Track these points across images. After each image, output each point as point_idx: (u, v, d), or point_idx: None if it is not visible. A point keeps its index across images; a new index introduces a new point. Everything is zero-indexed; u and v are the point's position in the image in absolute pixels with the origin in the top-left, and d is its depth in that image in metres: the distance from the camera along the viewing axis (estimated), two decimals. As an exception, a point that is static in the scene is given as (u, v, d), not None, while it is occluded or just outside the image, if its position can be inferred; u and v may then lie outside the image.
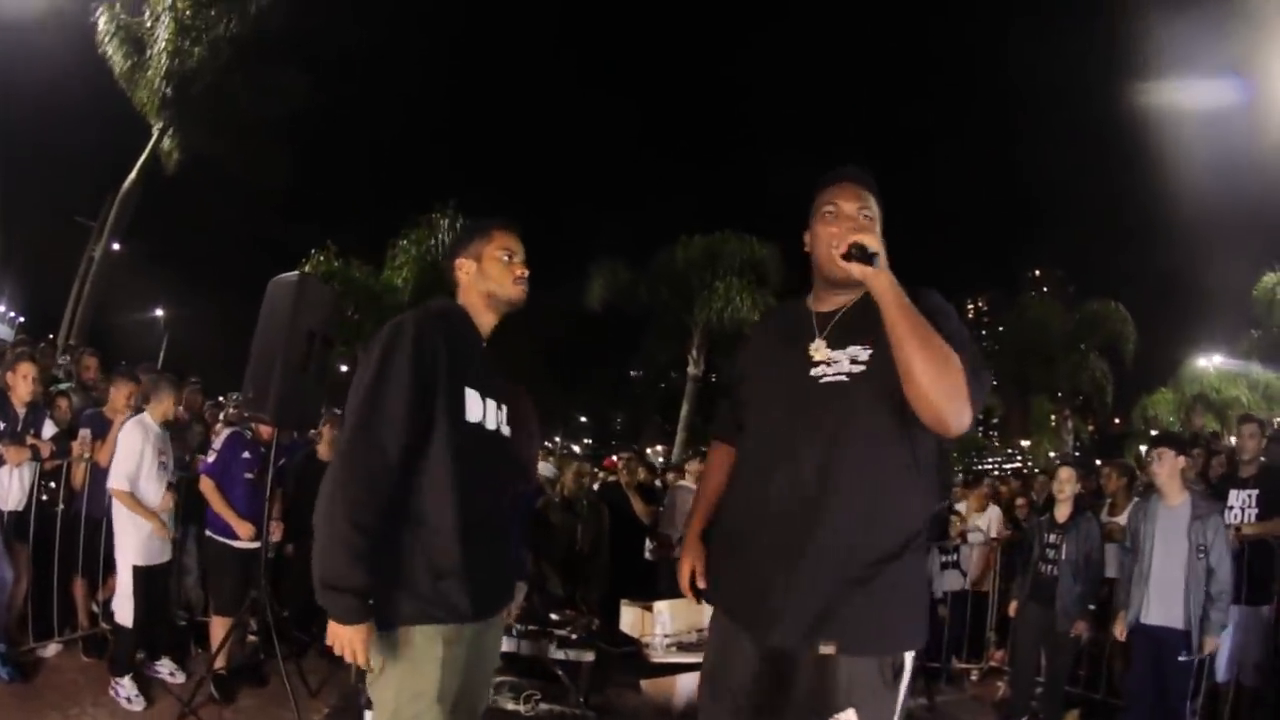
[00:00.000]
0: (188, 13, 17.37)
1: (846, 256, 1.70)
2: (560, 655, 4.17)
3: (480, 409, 2.10)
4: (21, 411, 4.66)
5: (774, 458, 1.85)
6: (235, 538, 4.62)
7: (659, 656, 4.28)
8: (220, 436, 4.90)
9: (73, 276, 18.88)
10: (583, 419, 45.95)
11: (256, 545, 4.59)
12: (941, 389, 1.62)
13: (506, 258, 2.23)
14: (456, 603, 1.96)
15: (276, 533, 4.93)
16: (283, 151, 19.83)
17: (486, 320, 2.24)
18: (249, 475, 4.69)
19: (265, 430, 4.70)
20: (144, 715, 4.17)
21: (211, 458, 4.76)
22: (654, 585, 6.05)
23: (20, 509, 4.61)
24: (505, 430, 2.22)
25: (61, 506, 4.85)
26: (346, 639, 1.83)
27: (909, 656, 1.79)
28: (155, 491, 4.48)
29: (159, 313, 35.45)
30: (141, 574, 4.37)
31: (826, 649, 1.72)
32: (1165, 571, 4.29)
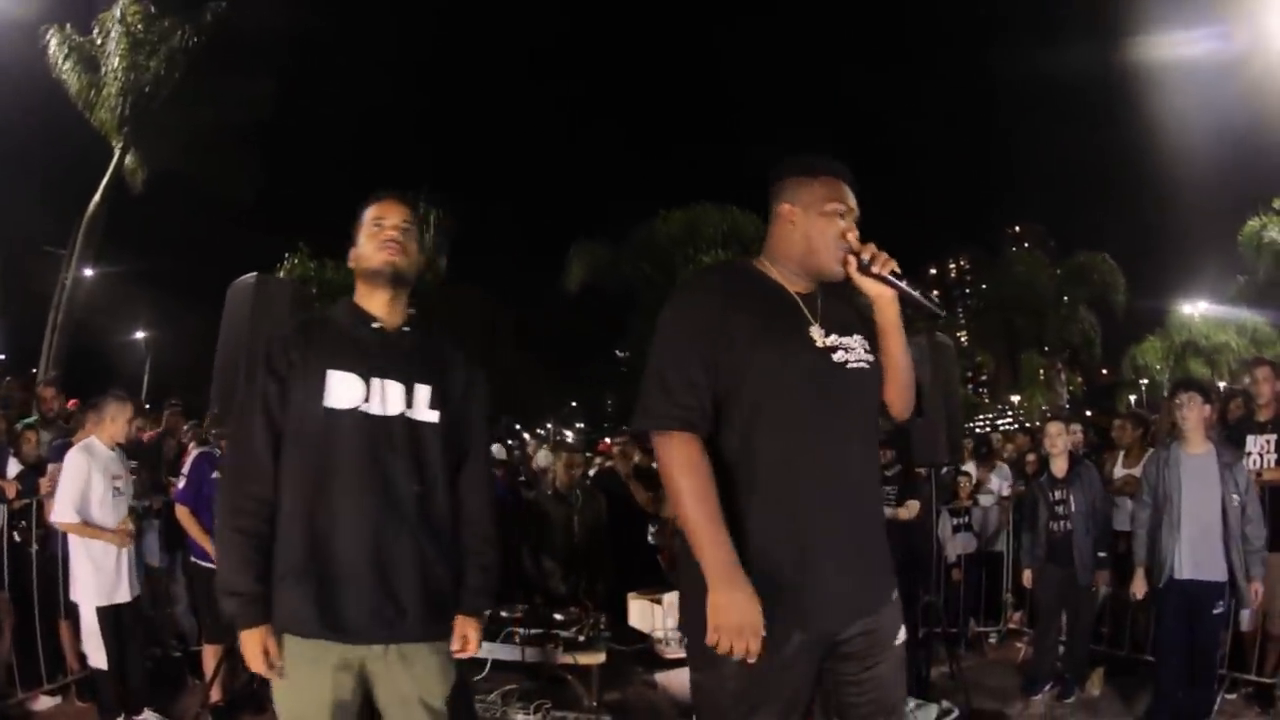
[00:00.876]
0: (139, 26, 17.04)
1: (889, 278, 1.87)
2: (569, 659, 3.96)
3: (358, 392, 1.93)
4: (-17, 451, 4.42)
5: (821, 446, 1.80)
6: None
7: (672, 652, 4.08)
8: (189, 459, 4.65)
9: (49, 307, 18.56)
10: (573, 404, 45.81)
11: None
12: (913, 393, 2.03)
13: (376, 227, 2.08)
14: (297, 612, 1.84)
15: None
16: (250, 158, 19.47)
17: (377, 300, 2.07)
18: None
19: None
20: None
21: (182, 483, 4.52)
22: (661, 572, 5.86)
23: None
24: (420, 414, 1.99)
25: (36, 547, 4.59)
26: (245, 642, 1.84)
27: None
28: (111, 520, 4.20)
29: (140, 334, 34.91)
30: (107, 614, 4.13)
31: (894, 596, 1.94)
32: (1197, 522, 4.11)
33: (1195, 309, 31.34)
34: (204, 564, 4.45)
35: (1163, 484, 4.26)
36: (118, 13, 16.87)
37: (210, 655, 4.36)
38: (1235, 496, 4.05)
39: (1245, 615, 4.64)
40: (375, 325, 2.04)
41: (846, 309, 1.97)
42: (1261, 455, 4.82)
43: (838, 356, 1.84)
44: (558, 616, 4.30)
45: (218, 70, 17.80)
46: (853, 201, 1.93)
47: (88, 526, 4.09)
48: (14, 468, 4.61)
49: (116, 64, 16.92)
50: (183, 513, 4.45)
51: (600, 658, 4.00)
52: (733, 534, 1.71)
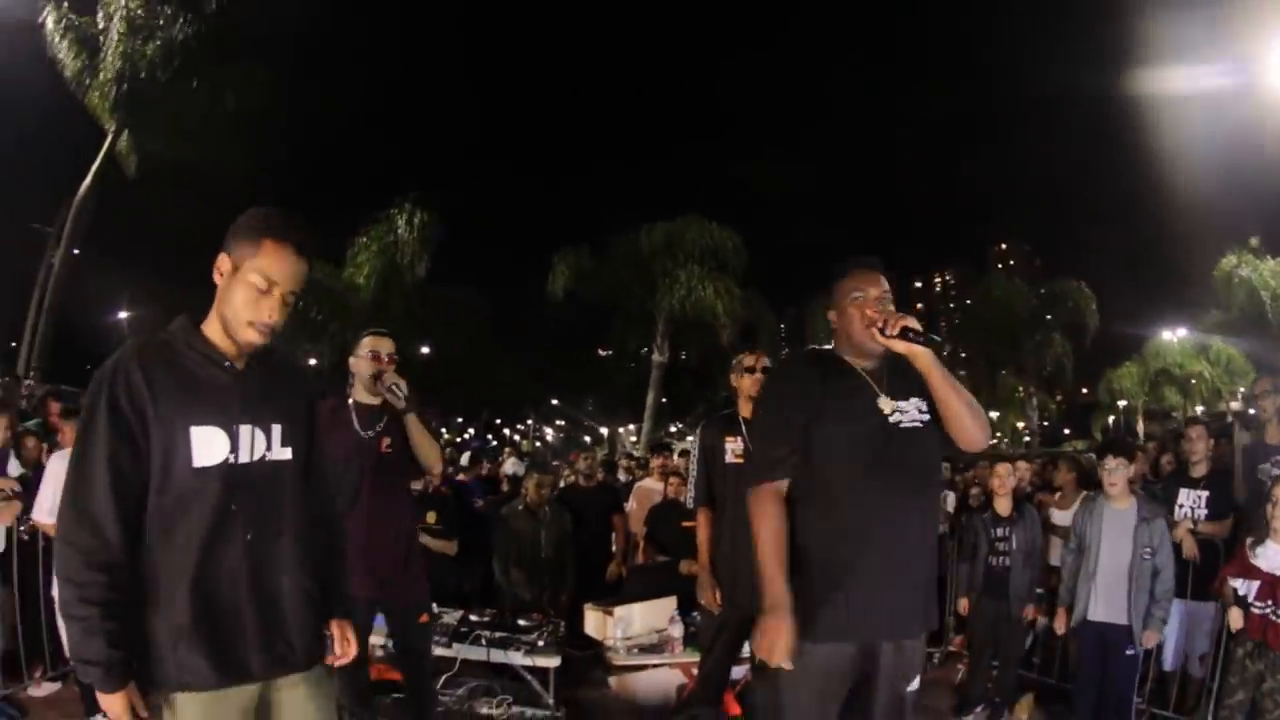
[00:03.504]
0: (139, 11, 17.10)
1: (900, 335, 2.20)
2: (528, 661, 4.30)
3: (224, 445, 1.87)
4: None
5: (872, 494, 2.24)
6: None
7: (620, 659, 4.43)
8: None
9: (32, 285, 18.61)
10: (554, 401, 45.86)
11: None
12: (980, 424, 2.29)
13: (263, 286, 1.88)
14: (199, 668, 1.81)
15: None
16: (242, 150, 19.49)
17: (230, 343, 1.93)
18: None
19: None
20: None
21: None
22: (619, 584, 6.17)
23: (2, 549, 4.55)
24: (276, 454, 1.97)
25: (44, 543, 4.71)
26: (110, 705, 1.77)
27: None
28: None
29: (122, 315, 34.86)
30: None
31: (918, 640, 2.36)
32: (1111, 570, 4.43)
33: (1175, 335, 31.94)
34: None
35: (1085, 533, 4.57)
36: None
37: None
38: (1147, 550, 4.37)
39: (1168, 656, 5.03)
40: (228, 364, 1.92)
41: (910, 375, 2.31)
42: (1192, 509, 5.09)
43: (893, 419, 2.28)
44: (521, 622, 4.64)
45: (214, 59, 17.87)
46: (878, 284, 2.36)
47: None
48: (15, 469, 4.77)
49: (114, 47, 16.91)
50: None
51: (556, 661, 4.34)
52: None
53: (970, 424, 2.27)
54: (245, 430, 1.90)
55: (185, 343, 1.90)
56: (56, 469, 4.38)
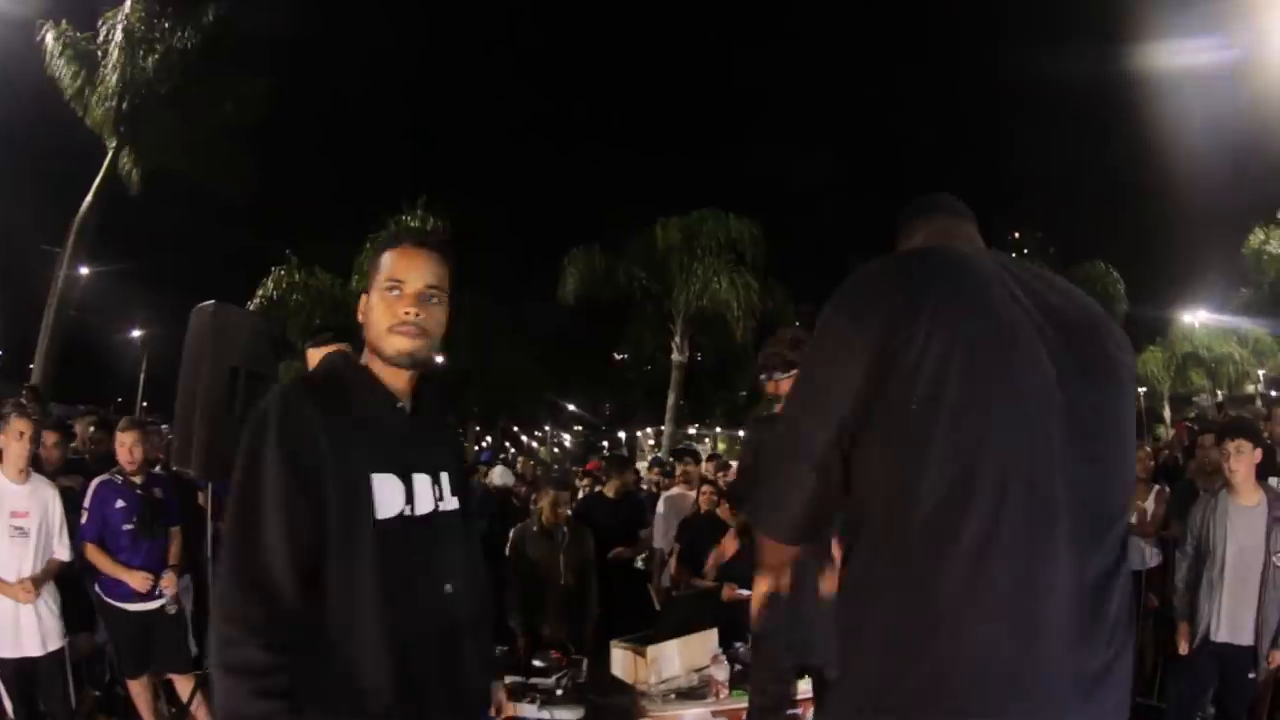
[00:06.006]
0: (138, 24, 16.93)
1: None
2: (544, 715, 3.68)
3: (402, 494, 1.64)
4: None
5: None
6: (128, 600, 4.22)
7: (656, 709, 3.75)
8: (90, 489, 4.31)
9: (45, 306, 18.37)
10: (571, 407, 45.62)
11: (153, 606, 4.25)
12: None
13: (393, 291, 1.68)
14: None
15: (169, 586, 4.35)
16: (244, 158, 19.29)
17: (398, 378, 1.71)
18: (128, 526, 4.23)
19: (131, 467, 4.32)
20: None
21: (84, 517, 4.23)
22: (650, 609, 5.60)
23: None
24: (450, 504, 1.75)
25: None
26: None
27: None
28: (10, 564, 3.81)
29: (135, 333, 34.82)
30: (9, 667, 3.81)
31: None
32: (1240, 581, 3.78)
33: (1196, 318, 31.28)
34: (114, 602, 4.26)
35: (1208, 535, 3.93)
36: (125, 11, 16.72)
37: (135, 689, 4.31)
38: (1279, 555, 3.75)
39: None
40: (400, 405, 1.72)
41: None
42: None
43: None
44: (536, 663, 4.05)
45: (213, 70, 17.71)
46: None
47: None
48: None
49: (116, 59, 16.77)
50: (91, 550, 4.20)
51: (579, 713, 3.72)
52: None
53: None
54: (421, 478, 1.69)
55: (361, 382, 1.70)
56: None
